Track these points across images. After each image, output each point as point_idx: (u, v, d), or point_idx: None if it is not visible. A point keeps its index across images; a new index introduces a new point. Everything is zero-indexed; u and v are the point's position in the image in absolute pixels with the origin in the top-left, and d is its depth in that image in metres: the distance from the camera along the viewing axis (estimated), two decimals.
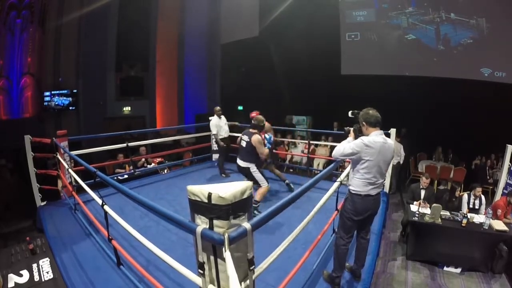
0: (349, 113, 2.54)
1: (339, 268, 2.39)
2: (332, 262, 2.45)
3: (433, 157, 7.53)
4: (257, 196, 3.66)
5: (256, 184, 3.70)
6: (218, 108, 5.39)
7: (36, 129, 7.18)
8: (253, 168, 3.68)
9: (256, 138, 3.60)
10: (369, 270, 2.63)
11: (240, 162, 3.73)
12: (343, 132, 2.65)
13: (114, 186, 2.17)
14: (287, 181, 4.70)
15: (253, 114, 4.94)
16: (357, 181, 2.22)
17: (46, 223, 3.42)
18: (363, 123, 2.24)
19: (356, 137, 2.34)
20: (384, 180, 2.33)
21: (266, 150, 3.73)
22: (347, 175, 2.59)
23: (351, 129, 2.46)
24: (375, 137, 2.17)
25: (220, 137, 5.29)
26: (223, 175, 5.42)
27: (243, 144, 3.71)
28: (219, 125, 5.31)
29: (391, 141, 2.27)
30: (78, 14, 8.53)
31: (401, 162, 6.53)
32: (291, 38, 9.26)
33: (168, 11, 10.09)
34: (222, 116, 5.41)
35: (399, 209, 5.73)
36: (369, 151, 2.12)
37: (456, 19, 7.19)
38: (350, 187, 2.29)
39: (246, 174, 3.73)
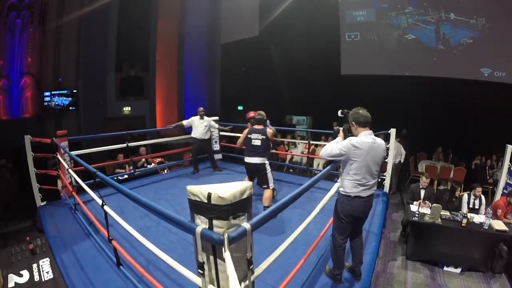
0: (339, 112, 2.50)
1: (339, 266, 2.40)
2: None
3: (433, 157, 7.53)
4: (265, 202, 3.63)
5: (264, 184, 3.69)
6: (201, 109, 5.39)
7: (36, 129, 7.18)
8: (268, 166, 3.70)
9: (270, 131, 3.75)
10: (369, 270, 2.63)
11: (255, 160, 3.68)
12: (332, 131, 2.61)
13: (114, 186, 2.17)
14: None
15: (251, 114, 4.95)
16: (347, 182, 2.20)
17: (46, 223, 3.42)
18: (353, 122, 2.21)
19: (345, 137, 2.30)
20: (376, 181, 2.28)
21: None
22: None
23: (341, 128, 2.42)
24: (364, 137, 2.14)
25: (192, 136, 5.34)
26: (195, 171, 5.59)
27: (257, 142, 3.69)
28: (194, 124, 5.32)
29: (381, 140, 2.22)
30: (78, 14, 8.52)
31: (402, 160, 6.54)
32: (291, 38, 9.27)
33: (168, 11, 10.07)
34: (206, 118, 5.38)
35: (399, 209, 5.73)
36: (356, 152, 2.10)
37: (456, 19, 7.19)
38: (341, 189, 2.28)
39: (259, 171, 3.70)
